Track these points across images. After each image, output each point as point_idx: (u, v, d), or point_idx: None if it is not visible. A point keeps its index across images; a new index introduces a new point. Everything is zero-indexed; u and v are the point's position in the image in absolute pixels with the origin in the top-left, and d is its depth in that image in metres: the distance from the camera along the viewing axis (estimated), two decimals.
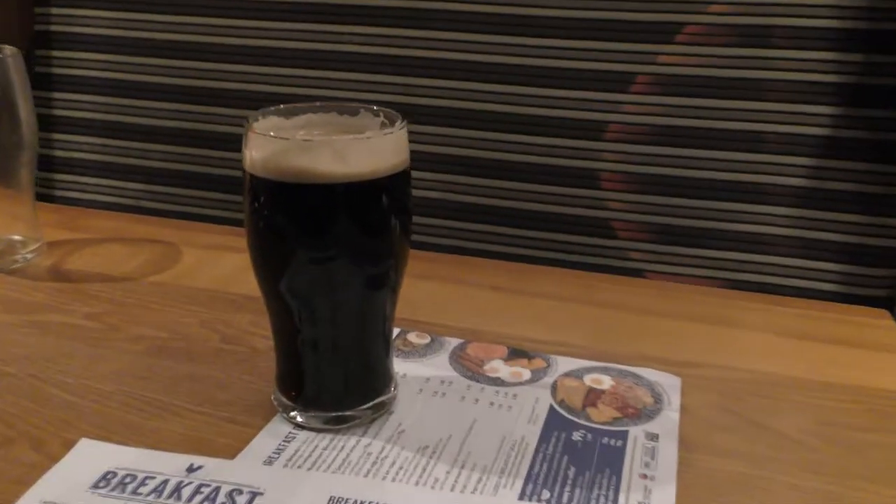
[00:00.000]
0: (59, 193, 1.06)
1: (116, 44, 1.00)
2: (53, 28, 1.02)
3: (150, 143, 1.01)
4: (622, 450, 0.54)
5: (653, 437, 0.55)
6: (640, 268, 0.89)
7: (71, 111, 1.04)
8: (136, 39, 0.99)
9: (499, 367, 0.63)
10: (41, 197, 1.04)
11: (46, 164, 1.05)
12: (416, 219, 0.56)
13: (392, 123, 0.55)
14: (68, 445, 0.53)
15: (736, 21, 0.81)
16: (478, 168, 0.91)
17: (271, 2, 0.94)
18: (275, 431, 0.55)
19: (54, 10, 1.01)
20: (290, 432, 0.55)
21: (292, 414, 0.56)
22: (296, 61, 0.94)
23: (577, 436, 0.55)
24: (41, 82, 1.03)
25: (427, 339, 0.66)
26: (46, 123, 1.04)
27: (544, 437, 0.55)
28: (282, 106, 0.55)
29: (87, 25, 1.01)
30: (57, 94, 1.04)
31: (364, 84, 0.92)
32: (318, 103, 0.56)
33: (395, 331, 0.65)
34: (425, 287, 0.75)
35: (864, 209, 0.82)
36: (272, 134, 0.52)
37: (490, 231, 0.92)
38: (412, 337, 0.67)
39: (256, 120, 0.54)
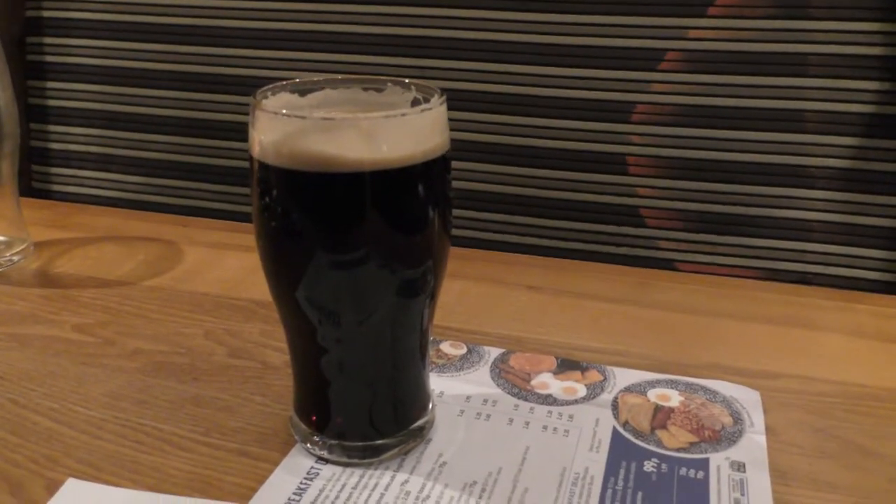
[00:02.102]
0: (56, 188, 0.94)
1: (113, 29, 0.88)
2: (46, 14, 0.90)
3: (150, 133, 0.90)
4: (705, 483, 0.42)
5: (739, 466, 0.43)
6: (671, 258, 0.78)
7: (66, 101, 0.92)
8: (133, 24, 0.87)
9: (549, 382, 0.50)
10: (39, 193, 0.92)
11: (43, 157, 0.93)
12: None
13: (427, 100, 0.42)
14: (52, 488, 0.41)
15: None
16: (495, 154, 0.80)
17: None
18: (294, 467, 0.43)
19: None
20: (312, 467, 0.43)
21: (314, 444, 0.43)
22: (304, 44, 0.82)
23: (649, 466, 0.43)
24: (34, 71, 0.91)
25: (463, 350, 0.53)
26: (42, 115, 0.92)
27: (611, 469, 0.43)
28: (297, 80, 0.42)
29: (82, 10, 0.89)
30: (51, 84, 0.91)
31: (378, 67, 0.81)
32: (338, 76, 0.43)
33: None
34: (456, 288, 0.61)
35: None
36: (286, 112, 0.39)
37: (509, 221, 0.81)
38: (446, 347, 0.54)
39: (265, 97, 0.41)
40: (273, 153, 0.39)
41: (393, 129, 0.39)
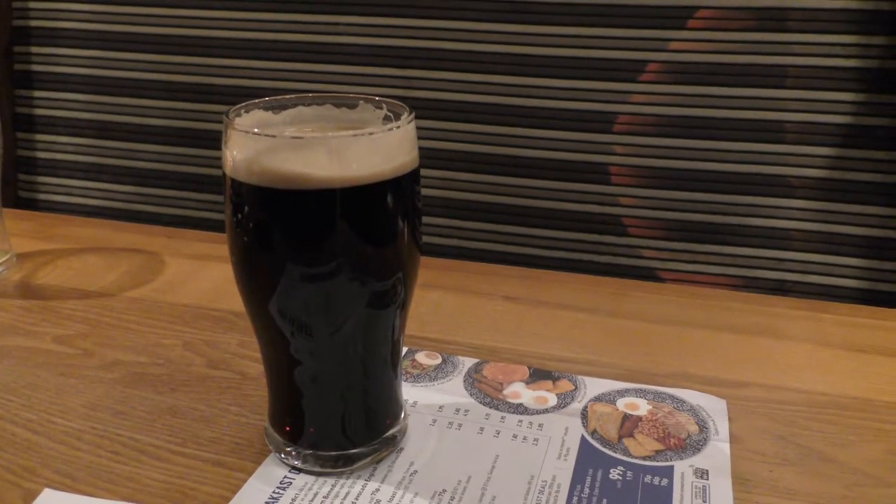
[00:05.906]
0: (43, 198, 0.95)
1: (100, 38, 0.89)
2: (33, 23, 0.91)
3: (138, 142, 0.91)
4: (668, 490, 0.43)
5: (702, 473, 0.44)
6: (653, 266, 0.79)
7: (54, 110, 0.93)
8: (121, 34, 0.88)
9: (520, 392, 0.51)
10: (25, 202, 0.93)
11: (30, 166, 0.94)
12: None
13: (397, 117, 0.43)
14: (28, 498, 0.42)
15: (751, 3, 0.73)
16: (479, 164, 0.81)
17: None
18: (267, 476, 0.44)
19: (33, 4, 0.91)
20: (285, 476, 0.44)
21: (287, 454, 0.45)
22: (289, 54, 0.83)
23: (615, 474, 0.44)
24: (22, 80, 0.92)
25: (438, 360, 0.55)
26: (29, 124, 0.93)
27: (578, 477, 0.44)
28: (267, 98, 0.43)
29: (69, 20, 0.90)
30: (39, 93, 0.93)
31: (361, 77, 0.82)
32: (310, 94, 0.44)
33: (402, 350, 0.53)
34: (432, 298, 0.63)
35: (889, 201, 0.73)
36: (256, 131, 0.40)
37: (493, 230, 0.82)
38: (421, 357, 0.55)
39: (238, 115, 0.42)
40: (245, 170, 0.40)
41: (362, 147, 0.40)
